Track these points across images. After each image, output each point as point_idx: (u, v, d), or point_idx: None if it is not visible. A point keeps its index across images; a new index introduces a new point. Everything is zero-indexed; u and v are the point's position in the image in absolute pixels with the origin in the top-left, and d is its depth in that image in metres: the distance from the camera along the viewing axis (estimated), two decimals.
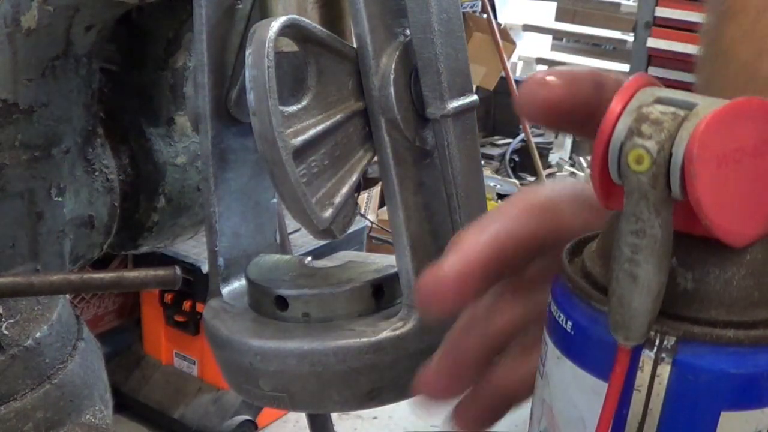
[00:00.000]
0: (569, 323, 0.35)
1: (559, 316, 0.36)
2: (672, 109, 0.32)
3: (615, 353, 0.33)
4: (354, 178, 0.59)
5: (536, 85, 0.40)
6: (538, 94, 0.40)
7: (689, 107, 0.32)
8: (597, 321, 0.34)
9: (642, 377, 0.32)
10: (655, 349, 0.32)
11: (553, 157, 5.04)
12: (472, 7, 4.96)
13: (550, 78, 0.40)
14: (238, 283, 0.67)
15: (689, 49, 2.61)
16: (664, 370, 0.32)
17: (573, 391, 0.35)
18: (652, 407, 0.33)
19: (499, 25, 4.77)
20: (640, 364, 0.33)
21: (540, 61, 5.81)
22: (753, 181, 0.33)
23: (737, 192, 0.33)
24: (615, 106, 0.33)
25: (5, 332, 0.73)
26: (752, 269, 0.33)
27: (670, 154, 0.31)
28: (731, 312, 0.33)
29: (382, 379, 0.59)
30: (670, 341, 0.32)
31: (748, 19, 0.53)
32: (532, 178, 4.92)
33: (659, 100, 0.33)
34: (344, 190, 0.58)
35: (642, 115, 0.32)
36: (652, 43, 3.07)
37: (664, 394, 0.32)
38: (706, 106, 0.32)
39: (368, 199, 3.68)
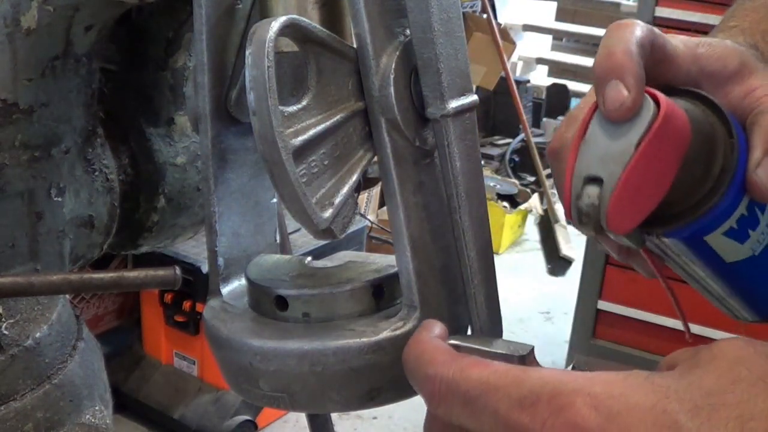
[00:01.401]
0: None
1: None
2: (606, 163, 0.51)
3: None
4: (354, 178, 0.59)
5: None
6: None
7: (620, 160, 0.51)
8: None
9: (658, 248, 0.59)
10: (654, 236, 0.56)
11: None
12: (472, 7, 4.96)
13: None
14: (238, 283, 0.67)
15: None
16: (663, 243, 0.57)
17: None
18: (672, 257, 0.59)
19: (499, 25, 4.77)
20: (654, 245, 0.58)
21: (540, 61, 5.80)
22: (655, 177, 0.52)
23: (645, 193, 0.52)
24: (572, 154, 0.53)
25: (5, 332, 0.73)
26: (680, 189, 0.53)
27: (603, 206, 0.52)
28: (680, 205, 0.55)
29: (382, 379, 0.59)
30: (659, 234, 0.56)
31: None
32: (532, 178, 4.92)
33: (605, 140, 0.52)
34: (344, 190, 0.58)
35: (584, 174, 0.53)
36: None
37: (671, 251, 0.58)
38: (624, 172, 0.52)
39: (368, 199, 3.69)
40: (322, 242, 0.83)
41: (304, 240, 2.41)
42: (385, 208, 0.61)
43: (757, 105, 0.56)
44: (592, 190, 0.51)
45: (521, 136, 4.95)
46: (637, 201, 0.51)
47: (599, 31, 5.07)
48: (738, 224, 0.56)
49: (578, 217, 0.53)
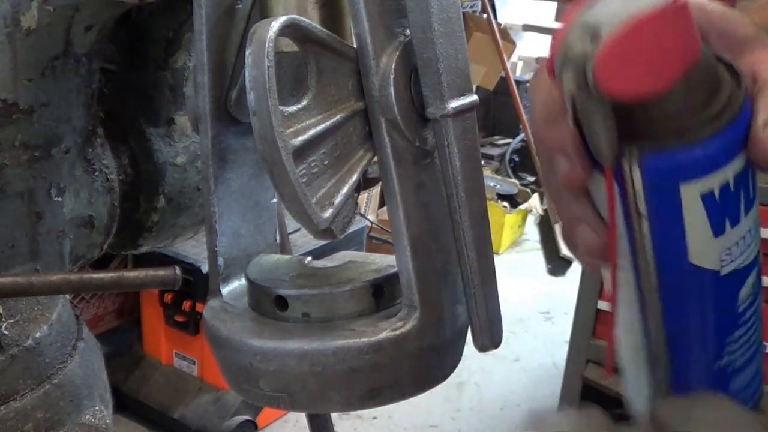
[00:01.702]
0: None
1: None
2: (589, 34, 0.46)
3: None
4: (354, 178, 0.59)
5: None
6: None
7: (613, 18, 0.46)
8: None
9: (625, 176, 0.49)
10: (625, 157, 0.48)
11: None
12: (472, 7, 4.96)
13: None
14: (238, 283, 0.67)
15: None
16: (635, 170, 0.48)
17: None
18: (637, 197, 0.49)
19: (499, 25, 4.77)
20: (623, 170, 0.49)
21: (540, 61, 5.80)
22: (662, 45, 0.46)
23: (646, 57, 0.46)
24: (565, 20, 0.48)
25: (5, 332, 0.73)
26: (680, 93, 0.47)
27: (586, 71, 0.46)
28: (674, 121, 0.48)
29: (382, 379, 0.59)
30: (632, 151, 0.48)
31: None
32: (532, 178, 4.92)
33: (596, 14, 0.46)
34: (344, 190, 0.58)
35: (568, 45, 0.47)
36: None
37: (641, 185, 0.48)
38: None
39: (368, 199, 3.69)
40: (322, 242, 0.83)
41: (304, 240, 2.41)
42: (385, 208, 0.61)
43: (764, 75, 0.54)
44: (585, 36, 0.45)
45: (521, 136, 4.95)
46: (631, 66, 0.45)
47: None
48: (720, 194, 0.49)
49: (562, 64, 0.47)
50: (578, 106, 0.47)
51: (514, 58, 5.22)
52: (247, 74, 0.54)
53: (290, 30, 0.55)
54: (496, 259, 0.63)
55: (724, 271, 0.50)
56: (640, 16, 0.44)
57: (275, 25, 0.53)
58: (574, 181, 0.51)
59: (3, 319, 0.74)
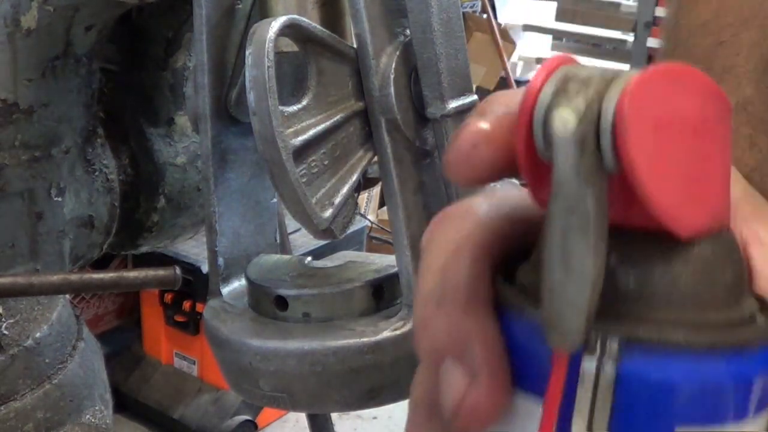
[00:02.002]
0: (505, 339, 0.29)
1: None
2: (600, 71, 0.28)
3: (550, 363, 0.27)
4: (354, 178, 0.59)
5: (470, 145, 0.30)
6: (475, 158, 0.30)
7: (620, 74, 0.28)
8: (530, 331, 0.28)
9: (583, 390, 0.27)
10: (597, 354, 0.27)
11: None
12: (472, 7, 4.96)
13: (482, 128, 0.30)
14: (238, 283, 0.67)
15: None
16: (608, 380, 0.27)
17: (507, 416, 0.29)
18: (596, 425, 0.27)
19: (499, 25, 4.77)
20: (581, 374, 0.27)
21: (540, 61, 5.80)
22: (697, 162, 0.28)
23: (679, 170, 0.28)
24: (537, 76, 0.28)
25: (5, 332, 0.73)
26: (702, 265, 0.29)
27: (599, 112, 0.27)
28: (680, 312, 0.28)
29: (382, 379, 0.59)
30: (612, 345, 0.27)
31: (708, 10, 0.53)
32: None
33: (588, 70, 0.29)
34: (344, 190, 0.58)
35: (567, 76, 0.28)
36: (652, 43, 3.07)
37: (610, 409, 0.27)
38: (639, 71, 0.28)
39: (368, 199, 3.68)
40: (322, 242, 0.83)
41: (304, 240, 2.41)
42: (385, 208, 0.61)
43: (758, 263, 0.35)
44: (581, 100, 0.27)
45: None
46: (669, 152, 0.28)
47: (599, 31, 5.07)
48: None
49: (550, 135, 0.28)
50: (558, 206, 0.28)
51: (514, 58, 5.22)
52: (247, 74, 0.54)
53: (290, 30, 0.55)
54: None
55: None
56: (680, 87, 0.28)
57: (275, 25, 0.53)
58: (480, 412, 0.28)
59: (3, 319, 0.74)
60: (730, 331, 0.28)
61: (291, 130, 0.55)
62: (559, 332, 0.27)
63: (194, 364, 2.75)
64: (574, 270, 0.27)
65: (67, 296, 0.83)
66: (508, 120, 0.30)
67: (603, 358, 0.27)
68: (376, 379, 0.59)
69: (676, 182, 0.28)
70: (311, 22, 0.57)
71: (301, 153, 0.55)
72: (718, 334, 0.28)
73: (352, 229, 0.63)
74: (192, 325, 2.66)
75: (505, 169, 0.31)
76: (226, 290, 0.67)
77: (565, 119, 0.27)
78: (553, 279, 0.27)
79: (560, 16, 5.43)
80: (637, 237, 0.29)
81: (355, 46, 0.59)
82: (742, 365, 0.28)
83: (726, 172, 0.30)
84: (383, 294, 0.62)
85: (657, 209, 0.27)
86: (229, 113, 0.64)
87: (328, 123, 0.57)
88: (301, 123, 0.56)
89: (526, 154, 0.29)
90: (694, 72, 0.28)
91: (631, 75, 0.27)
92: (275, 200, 0.70)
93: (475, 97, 0.61)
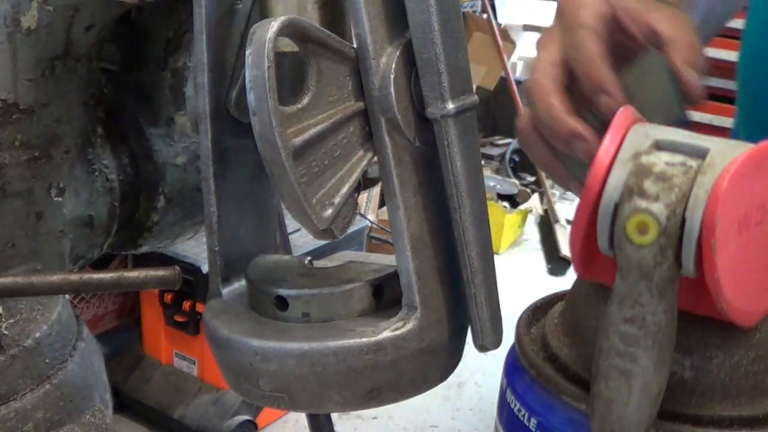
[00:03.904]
0: (533, 420, 0.26)
1: (519, 410, 0.26)
2: (680, 158, 0.23)
3: None
4: (354, 178, 0.59)
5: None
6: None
7: (700, 154, 0.23)
8: (573, 423, 0.25)
9: None
10: None
11: None
12: (472, 7, 4.96)
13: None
14: (238, 283, 0.67)
15: None
16: None
17: None
18: None
19: (499, 25, 4.76)
20: None
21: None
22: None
23: (755, 264, 0.25)
24: (604, 152, 0.24)
25: (5, 332, 0.73)
26: (762, 350, 0.25)
27: (683, 220, 0.23)
28: (738, 404, 0.25)
29: (382, 379, 0.59)
30: None
31: None
32: (532, 178, 4.91)
33: (659, 145, 0.24)
34: (344, 190, 0.58)
35: (642, 167, 0.23)
36: None
37: None
38: (721, 152, 0.23)
39: (368, 199, 3.68)
40: (322, 242, 0.83)
41: (304, 240, 2.41)
42: (385, 208, 0.61)
43: (665, 31, 0.55)
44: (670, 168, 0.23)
45: None
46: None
47: None
48: None
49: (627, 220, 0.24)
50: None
51: (514, 58, 5.21)
52: (247, 74, 0.54)
53: (290, 30, 0.55)
54: (496, 259, 0.63)
55: None
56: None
57: (275, 25, 0.53)
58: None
59: (3, 319, 0.74)
60: None
61: (291, 130, 0.55)
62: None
63: (194, 364, 2.75)
64: (636, 385, 0.24)
65: (67, 296, 0.83)
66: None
67: None
68: (376, 379, 0.59)
69: (751, 278, 0.25)
70: (311, 22, 0.57)
71: (301, 153, 0.55)
72: None
73: (352, 229, 0.63)
74: (192, 325, 2.66)
75: None
76: (226, 290, 0.67)
77: (643, 228, 0.23)
78: (611, 392, 0.25)
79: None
80: (694, 322, 0.26)
81: (355, 46, 0.59)
82: None
83: None
84: (383, 294, 0.62)
85: (731, 311, 0.25)
86: (229, 113, 0.64)
87: (328, 123, 0.57)
88: (301, 123, 0.56)
89: (583, 240, 0.25)
90: None
91: (718, 169, 0.23)
92: (275, 200, 0.70)
93: (475, 97, 0.61)
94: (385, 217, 3.36)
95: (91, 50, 0.79)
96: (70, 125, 0.79)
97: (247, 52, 0.54)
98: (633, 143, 0.24)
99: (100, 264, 0.99)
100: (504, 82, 4.73)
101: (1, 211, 0.76)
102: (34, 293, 0.65)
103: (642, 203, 0.23)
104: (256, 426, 2.68)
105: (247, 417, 2.64)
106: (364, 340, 0.58)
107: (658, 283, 0.24)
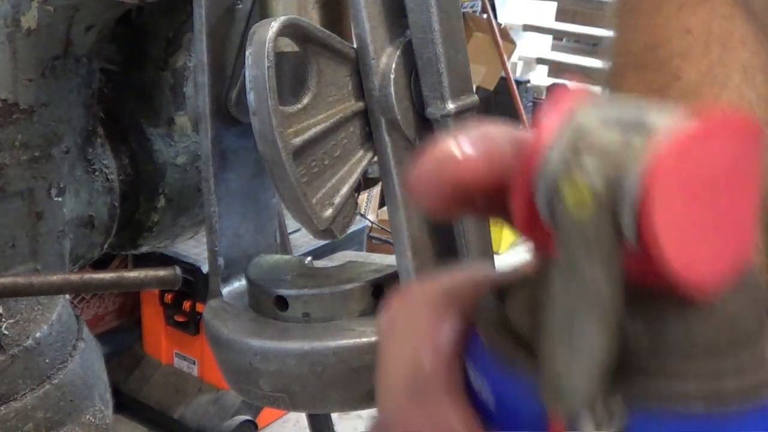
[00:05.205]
0: (492, 396, 0.27)
1: (480, 386, 0.27)
2: (621, 132, 0.24)
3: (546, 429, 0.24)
4: (354, 178, 0.59)
5: (443, 161, 0.27)
6: (446, 174, 0.28)
7: (643, 130, 0.24)
8: (526, 390, 0.26)
9: None
10: (598, 420, 0.24)
11: None
12: (472, 7, 4.96)
13: (464, 148, 0.28)
14: (238, 283, 0.67)
15: None
16: None
17: None
18: None
19: (499, 25, 4.77)
20: None
21: (540, 61, 5.81)
22: (723, 214, 0.25)
23: (704, 231, 0.25)
24: (547, 124, 0.24)
25: (5, 332, 0.73)
26: (721, 319, 0.26)
27: (621, 191, 0.23)
28: (696, 363, 0.25)
29: None
30: (617, 408, 0.24)
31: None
32: None
33: (604, 121, 0.25)
34: (344, 190, 0.58)
35: (583, 141, 0.24)
36: None
37: None
38: (665, 126, 0.24)
39: (368, 199, 3.68)
40: (322, 242, 0.83)
41: (304, 240, 2.41)
42: (385, 208, 0.61)
43: None
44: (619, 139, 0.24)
45: None
46: (699, 211, 0.25)
47: (599, 31, 5.07)
48: None
49: (566, 171, 0.25)
50: (572, 257, 0.25)
51: (514, 58, 5.22)
52: (247, 74, 0.54)
53: (290, 30, 0.55)
54: (496, 259, 0.63)
55: None
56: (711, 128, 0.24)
57: (275, 25, 0.53)
58: None
59: (3, 319, 0.74)
60: (745, 378, 0.25)
61: (291, 130, 0.55)
62: (557, 397, 0.24)
63: (194, 364, 2.75)
64: (581, 352, 0.25)
65: (67, 296, 0.83)
66: (493, 152, 0.27)
67: (606, 424, 0.24)
68: None
69: (700, 245, 0.25)
70: (311, 22, 0.57)
71: (301, 153, 0.55)
72: (733, 382, 0.24)
73: (352, 229, 0.63)
74: (192, 325, 2.65)
75: (475, 202, 0.28)
76: (226, 290, 0.67)
77: (579, 201, 0.24)
78: (556, 363, 0.25)
79: (560, 16, 5.43)
80: (649, 293, 0.26)
81: (355, 46, 0.59)
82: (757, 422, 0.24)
83: (752, 206, 0.27)
84: (383, 294, 0.62)
85: (679, 279, 0.25)
86: (229, 113, 0.64)
87: (328, 123, 0.57)
88: (301, 123, 0.56)
89: (524, 211, 0.25)
90: (727, 119, 0.25)
91: (655, 141, 0.23)
92: (275, 200, 0.70)
93: (475, 97, 0.61)
94: (385, 217, 3.36)
95: (91, 50, 0.79)
96: (70, 125, 0.79)
97: (247, 52, 0.54)
98: (575, 124, 0.25)
99: (100, 264, 0.99)
100: (504, 82, 4.73)
101: (1, 211, 0.76)
102: (34, 293, 0.65)
103: (578, 174, 0.23)
104: (256, 426, 2.68)
105: (247, 417, 2.64)
106: (364, 340, 0.58)
107: (598, 256, 0.24)
